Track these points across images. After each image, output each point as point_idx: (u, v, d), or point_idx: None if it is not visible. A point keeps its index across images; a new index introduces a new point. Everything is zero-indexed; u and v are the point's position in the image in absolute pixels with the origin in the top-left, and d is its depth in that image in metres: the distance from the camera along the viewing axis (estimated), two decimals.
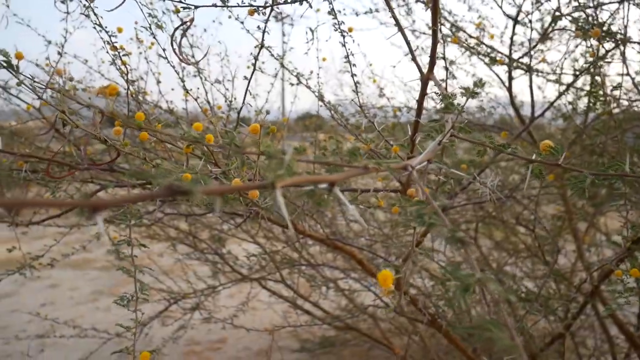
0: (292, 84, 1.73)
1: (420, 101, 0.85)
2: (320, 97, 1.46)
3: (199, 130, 0.82)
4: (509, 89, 2.21)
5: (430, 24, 0.80)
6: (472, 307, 2.69)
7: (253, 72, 1.20)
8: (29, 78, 0.96)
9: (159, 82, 1.73)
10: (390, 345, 2.83)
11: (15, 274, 1.53)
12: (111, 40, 1.14)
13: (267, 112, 1.99)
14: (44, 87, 1.00)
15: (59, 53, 1.69)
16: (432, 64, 0.78)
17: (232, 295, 4.69)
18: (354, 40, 1.19)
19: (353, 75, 1.20)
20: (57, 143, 1.77)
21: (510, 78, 2.18)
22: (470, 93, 0.61)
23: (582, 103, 2.16)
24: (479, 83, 0.60)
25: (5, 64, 0.84)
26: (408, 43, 0.86)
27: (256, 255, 2.04)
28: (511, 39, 2.11)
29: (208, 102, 1.64)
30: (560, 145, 0.60)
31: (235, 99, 1.26)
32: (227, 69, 1.93)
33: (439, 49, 1.01)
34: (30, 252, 1.78)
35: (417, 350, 3.46)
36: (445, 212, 1.69)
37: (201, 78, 1.62)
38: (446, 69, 1.30)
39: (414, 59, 0.84)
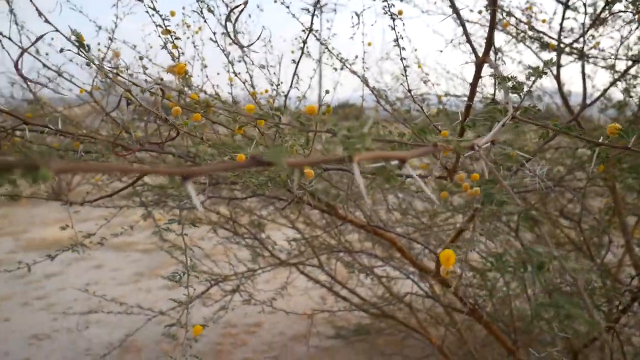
0: (335, 69, 1.73)
1: (473, 85, 0.83)
2: (365, 82, 1.45)
3: (252, 111, 0.83)
4: (557, 77, 2.14)
5: (487, 5, 0.78)
6: (514, 298, 2.65)
7: (301, 56, 1.20)
8: (91, 60, 0.99)
9: (204, 66, 1.76)
10: (427, 334, 2.82)
11: (64, 253, 1.59)
12: (164, 24, 1.16)
13: (304, 97, 2.00)
14: (110, 67, 1.04)
15: (110, 39, 1.74)
16: (489, 45, 0.76)
17: (268, 280, 4.76)
18: (403, 24, 1.17)
19: (402, 58, 1.18)
20: (104, 128, 1.83)
21: (559, 65, 2.11)
22: (539, 73, 0.59)
23: (636, 92, 2.07)
24: (549, 62, 0.58)
25: (77, 44, 0.87)
26: (463, 25, 0.84)
27: (296, 240, 2.06)
28: (561, 24, 2.04)
29: (253, 87, 1.66)
30: (631, 128, 0.58)
31: (281, 82, 1.27)
32: (271, 54, 1.94)
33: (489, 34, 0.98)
34: (82, 230, 1.85)
35: (454, 342, 3.43)
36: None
37: (245, 63, 1.63)
38: (495, 54, 1.27)
39: (468, 40, 0.83)
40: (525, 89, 0.61)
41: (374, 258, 2.56)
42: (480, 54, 0.77)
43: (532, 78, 0.60)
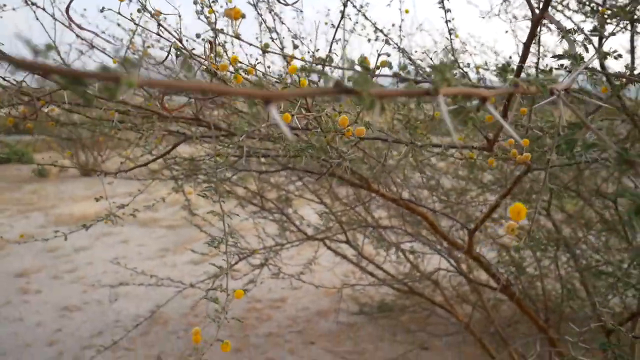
0: (369, 40, 1.69)
1: (527, 44, 0.79)
2: (402, 51, 1.41)
3: (294, 72, 0.81)
4: (599, 47, 2.05)
5: None
6: (544, 277, 2.60)
7: (341, 19, 1.16)
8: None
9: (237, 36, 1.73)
10: (454, 312, 2.80)
11: (92, 227, 1.60)
12: None
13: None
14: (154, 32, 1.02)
15: (139, 10, 1.72)
16: (547, 1, 0.71)
17: (292, 257, 4.79)
18: None
19: (447, 21, 1.14)
20: (132, 99, 1.82)
21: (601, 36, 2.02)
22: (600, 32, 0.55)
23: None
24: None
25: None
26: None
27: (326, 213, 2.04)
28: None
29: (284, 57, 1.63)
30: None
31: (317, 50, 1.24)
32: (302, 25, 1.90)
33: None
34: (115, 202, 1.86)
35: (480, 320, 3.42)
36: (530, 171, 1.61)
37: (277, 33, 1.60)
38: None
39: None
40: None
41: (403, 234, 2.54)
42: (536, 11, 0.73)
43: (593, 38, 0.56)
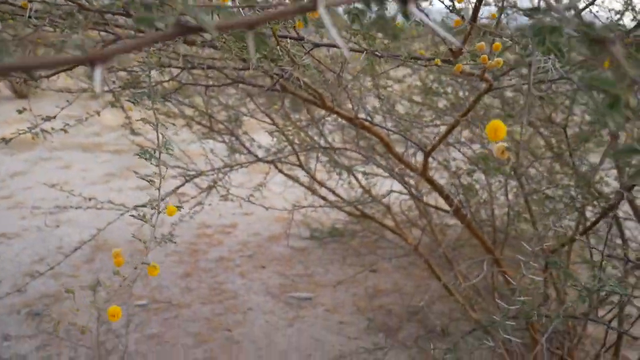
0: None
1: None
2: None
3: None
4: None
5: None
6: (495, 199, 2.65)
7: None
8: None
9: None
10: (404, 235, 2.83)
11: (29, 153, 1.44)
12: None
13: None
14: None
15: None
16: None
17: (242, 183, 4.70)
18: None
19: None
20: None
21: None
22: None
23: None
24: None
25: None
26: None
27: (277, 132, 1.94)
28: None
29: None
30: None
31: None
32: None
33: None
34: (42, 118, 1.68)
35: (427, 244, 3.50)
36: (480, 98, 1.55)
37: None
38: None
39: None
40: None
41: (356, 158, 2.48)
42: None
43: None
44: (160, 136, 0.95)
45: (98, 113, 1.59)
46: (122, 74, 1.77)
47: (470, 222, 1.99)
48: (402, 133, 1.74)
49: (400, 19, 0.42)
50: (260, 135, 2.81)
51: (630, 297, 2.22)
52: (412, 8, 0.41)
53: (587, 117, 2.87)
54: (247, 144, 2.64)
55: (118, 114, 2.12)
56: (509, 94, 2.77)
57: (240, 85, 1.84)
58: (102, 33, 1.18)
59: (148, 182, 0.90)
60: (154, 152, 0.93)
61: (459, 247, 3.59)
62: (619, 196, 1.94)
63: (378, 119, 2.79)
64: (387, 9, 0.44)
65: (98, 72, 0.35)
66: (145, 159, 0.91)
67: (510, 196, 2.81)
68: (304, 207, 2.30)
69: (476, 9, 0.84)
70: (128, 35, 1.07)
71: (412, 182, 2.90)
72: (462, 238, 3.49)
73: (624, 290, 1.47)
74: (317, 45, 1.11)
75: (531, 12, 0.45)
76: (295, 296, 3.22)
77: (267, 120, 2.55)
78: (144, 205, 1.93)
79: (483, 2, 0.84)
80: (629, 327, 2.20)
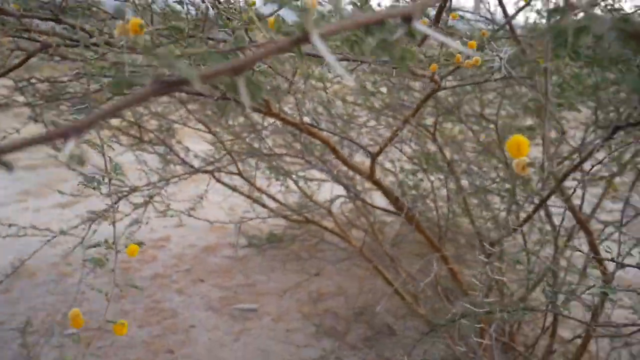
0: None
1: None
2: None
3: None
4: None
5: None
6: (436, 199, 2.70)
7: None
8: None
9: None
10: (348, 237, 2.82)
11: None
12: None
13: None
14: None
15: None
16: None
17: (174, 194, 4.49)
18: None
19: None
20: None
21: None
22: None
23: None
24: None
25: None
26: None
27: (216, 140, 1.85)
28: None
29: None
30: None
31: None
32: None
33: None
34: None
35: (368, 244, 3.52)
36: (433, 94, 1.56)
37: None
38: None
39: None
40: None
41: (297, 163, 2.43)
42: None
43: None
44: (108, 159, 0.84)
45: (18, 131, 1.42)
46: (42, 85, 1.60)
47: (419, 222, 2.00)
48: (348, 137, 1.71)
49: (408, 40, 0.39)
50: (196, 144, 2.69)
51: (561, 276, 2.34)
52: (418, 25, 0.38)
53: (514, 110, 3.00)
54: (182, 154, 2.50)
55: (37, 128, 1.92)
56: (441, 94, 2.83)
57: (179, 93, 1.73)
58: (24, 41, 1.04)
59: (99, 215, 0.79)
60: (103, 179, 0.82)
61: (398, 244, 3.64)
62: (551, 188, 2.03)
63: (323, 120, 2.76)
64: (390, 32, 0.40)
65: (69, 145, 0.33)
66: (93, 188, 0.81)
67: (449, 193, 2.89)
68: (251, 219, 2.21)
69: (440, 10, 0.82)
70: (57, 43, 0.95)
71: (351, 183, 2.90)
72: (400, 234, 3.54)
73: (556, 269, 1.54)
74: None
75: (551, 12, 0.42)
76: (239, 308, 3.11)
77: (203, 128, 2.43)
78: (75, 227, 1.74)
79: (447, 4, 0.82)
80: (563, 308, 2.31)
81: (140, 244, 0.86)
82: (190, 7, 0.96)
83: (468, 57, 0.87)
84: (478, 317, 1.46)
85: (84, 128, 0.34)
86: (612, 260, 1.27)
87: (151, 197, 2.01)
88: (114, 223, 0.84)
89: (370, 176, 1.84)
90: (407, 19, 0.37)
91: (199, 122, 2.36)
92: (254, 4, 0.90)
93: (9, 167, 0.33)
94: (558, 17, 0.42)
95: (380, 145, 1.75)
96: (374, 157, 1.77)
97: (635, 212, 2.25)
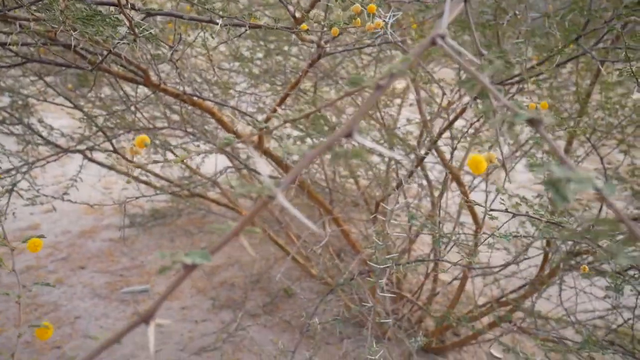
0: None
1: None
2: None
3: None
4: None
5: None
6: (323, 165, 2.74)
7: None
8: None
9: None
10: (237, 207, 2.78)
11: None
12: None
13: None
14: None
15: None
16: None
17: (35, 176, 4.05)
18: None
19: None
20: None
21: None
22: None
23: None
24: None
25: None
26: None
27: (85, 118, 1.69)
28: None
29: None
30: None
31: None
32: None
33: None
34: None
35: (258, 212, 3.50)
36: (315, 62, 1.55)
37: None
38: None
39: None
40: None
41: (179, 133, 2.31)
42: None
43: None
44: None
45: None
46: None
47: (310, 189, 2.02)
48: (234, 107, 1.66)
49: None
50: (59, 121, 2.43)
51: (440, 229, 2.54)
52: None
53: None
54: (45, 133, 2.25)
55: None
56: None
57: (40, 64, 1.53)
58: None
59: None
60: None
61: (286, 209, 3.67)
62: (428, 149, 2.17)
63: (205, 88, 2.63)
64: None
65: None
66: None
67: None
68: (137, 197, 2.06)
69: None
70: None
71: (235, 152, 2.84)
72: (291, 200, 3.58)
73: (431, 227, 1.68)
74: (151, 14, 0.95)
75: None
76: (129, 291, 2.95)
77: (66, 103, 2.19)
78: None
79: None
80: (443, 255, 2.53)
81: (41, 237, 0.80)
82: None
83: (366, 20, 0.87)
84: (372, 272, 1.53)
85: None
86: (481, 205, 1.37)
87: (14, 184, 1.78)
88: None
89: (260, 145, 1.81)
90: None
91: (61, 96, 2.11)
92: None
93: None
94: None
95: (268, 113, 1.72)
96: (261, 125, 1.74)
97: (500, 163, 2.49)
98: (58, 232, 3.74)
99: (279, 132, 2.76)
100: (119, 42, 0.86)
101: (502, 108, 0.42)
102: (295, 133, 2.16)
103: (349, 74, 3.12)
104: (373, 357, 1.08)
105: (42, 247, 0.74)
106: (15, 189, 1.79)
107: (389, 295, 2.75)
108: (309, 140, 1.99)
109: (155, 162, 0.84)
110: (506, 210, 1.08)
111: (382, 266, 1.33)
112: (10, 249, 0.73)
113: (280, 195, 0.37)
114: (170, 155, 2.41)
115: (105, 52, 1.06)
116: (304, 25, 0.93)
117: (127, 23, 0.80)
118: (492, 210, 1.46)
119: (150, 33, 0.83)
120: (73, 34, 0.87)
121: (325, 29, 1.05)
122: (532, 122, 0.38)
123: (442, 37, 0.44)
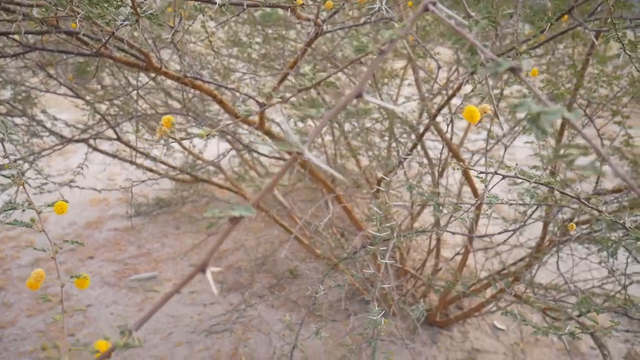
0: None
1: None
2: None
3: None
4: None
5: None
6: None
7: None
8: None
9: None
10: (241, 192, 2.82)
11: None
12: None
13: None
14: None
15: None
16: None
17: (41, 168, 4.09)
18: None
19: None
20: None
21: None
22: None
23: None
24: None
25: None
26: None
27: (88, 104, 1.73)
28: None
29: None
30: None
31: None
32: None
33: None
34: None
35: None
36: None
37: None
38: None
39: None
40: None
41: (181, 119, 2.35)
42: None
43: None
44: None
45: None
46: None
47: (312, 169, 2.06)
48: (236, 89, 1.68)
49: None
50: (63, 112, 2.46)
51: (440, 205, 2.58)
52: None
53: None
54: (49, 124, 2.28)
55: None
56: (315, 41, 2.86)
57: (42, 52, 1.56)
58: None
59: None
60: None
61: (289, 192, 3.73)
62: (427, 125, 2.20)
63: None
64: None
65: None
66: None
67: (334, 137, 2.99)
68: (143, 181, 2.10)
69: None
70: None
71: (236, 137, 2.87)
72: (295, 183, 3.62)
73: (433, 198, 1.71)
74: None
75: None
76: (137, 278, 3.01)
77: (69, 93, 2.22)
78: None
79: None
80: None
81: (65, 201, 0.85)
82: None
83: None
84: (375, 247, 1.58)
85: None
86: (475, 170, 1.39)
87: (22, 173, 1.82)
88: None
89: (261, 126, 1.85)
90: None
91: (64, 86, 2.15)
92: None
93: None
94: None
95: (268, 94, 1.75)
96: (262, 106, 1.77)
97: (495, 139, 2.53)
98: (65, 224, 3.79)
99: (281, 115, 2.79)
100: (122, 24, 0.89)
101: (489, 61, 0.45)
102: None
103: (347, 58, 3.14)
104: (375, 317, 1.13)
105: (67, 210, 0.79)
106: (21, 180, 1.83)
107: (393, 267, 2.81)
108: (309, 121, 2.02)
109: (167, 142, 0.88)
110: (495, 173, 1.12)
111: (383, 234, 1.37)
112: (37, 212, 0.77)
113: (306, 150, 0.41)
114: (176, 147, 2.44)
115: (107, 37, 1.09)
116: (300, 0, 0.96)
117: (130, 2, 0.84)
118: (481, 172, 1.48)
119: (152, 14, 0.87)
120: (77, 16, 0.91)
121: (322, 5, 1.08)
122: (513, 70, 0.42)
123: (434, 3, 0.48)
